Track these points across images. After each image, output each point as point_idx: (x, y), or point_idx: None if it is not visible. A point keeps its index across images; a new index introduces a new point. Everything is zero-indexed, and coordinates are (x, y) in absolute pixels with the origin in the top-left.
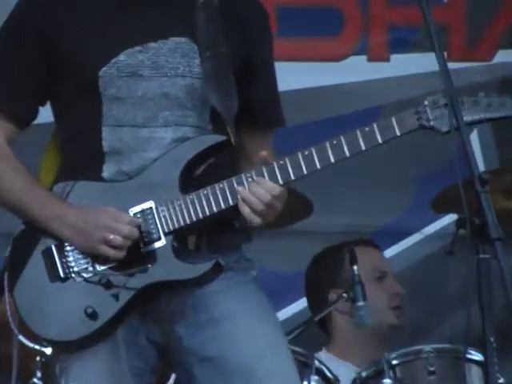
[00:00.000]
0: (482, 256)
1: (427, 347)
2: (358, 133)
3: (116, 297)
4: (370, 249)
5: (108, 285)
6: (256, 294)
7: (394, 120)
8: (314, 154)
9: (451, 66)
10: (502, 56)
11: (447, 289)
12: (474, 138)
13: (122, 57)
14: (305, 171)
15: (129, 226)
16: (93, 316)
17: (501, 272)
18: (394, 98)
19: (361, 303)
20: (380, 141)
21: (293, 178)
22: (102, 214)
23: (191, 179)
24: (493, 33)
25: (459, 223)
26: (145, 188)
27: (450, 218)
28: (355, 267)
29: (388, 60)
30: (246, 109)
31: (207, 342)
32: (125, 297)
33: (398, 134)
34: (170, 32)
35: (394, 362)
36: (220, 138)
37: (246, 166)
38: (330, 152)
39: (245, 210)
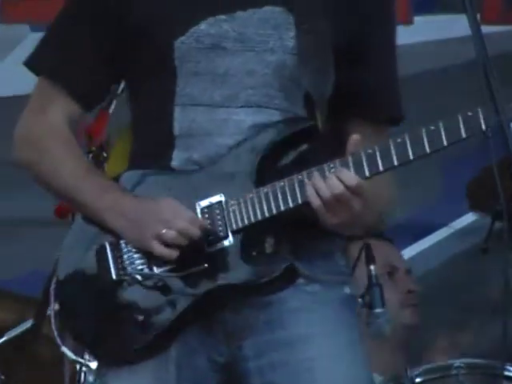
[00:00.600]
0: None
1: (457, 362)
2: (460, 118)
3: (173, 304)
4: (379, 242)
5: (164, 289)
6: (344, 319)
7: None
8: (408, 141)
9: (486, 29)
10: None
11: (480, 294)
12: None
13: (203, 26)
14: (395, 162)
15: (187, 222)
16: (145, 325)
17: None
18: (418, 68)
19: (379, 310)
20: (483, 127)
21: (381, 169)
22: (161, 207)
23: (275, 171)
24: None
25: (495, 215)
26: (216, 180)
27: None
28: (372, 267)
29: (411, 23)
30: (352, 97)
31: (277, 367)
32: (183, 304)
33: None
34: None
35: (418, 380)
36: (305, 123)
37: None
38: (425, 140)
39: (315, 202)
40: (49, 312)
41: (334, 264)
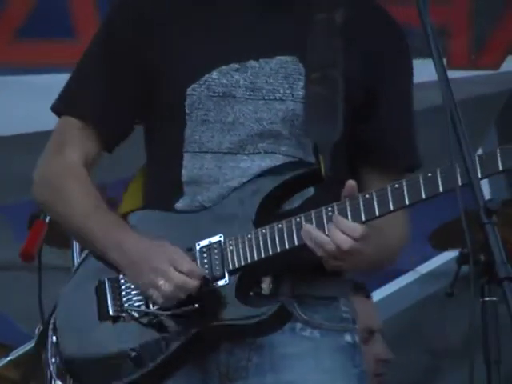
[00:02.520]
0: (487, 298)
1: None
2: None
3: (166, 341)
4: (359, 298)
5: (159, 327)
6: (343, 369)
7: (498, 152)
8: (405, 186)
9: (452, 74)
10: (511, 64)
11: (447, 337)
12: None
13: (215, 74)
14: (391, 207)
15: (184, 276)
16: (137, 361)
17: (510, 317)
18: None
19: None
20: (480, 176)
21: (377, 214)
22: (160, 254)
23: (276, 213)
24: (500, 37)
25: (461, 260)
26: (218, 220)
27: (451, 255)
28: None
29: None
30: (368, 146)
31: None
32: (176, 342)
33: (501, 168)
34: (275, 49)
35: None
36: (307, 167)
37: None
38: (422, 185)
39: (317, 251)
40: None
41: (336, 310)
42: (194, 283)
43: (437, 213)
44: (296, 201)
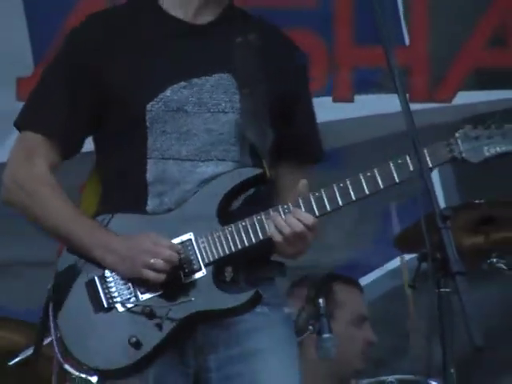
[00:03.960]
0: (443, 290)
1: (390, 378)
2: (391, 165)
3: (159, 326)
4: (355, 290)
5: (151, 315)
6: (287, 337)
7: (426, 151)
8: (349, 185)
9: (413, 106)
10: (463, 98)
11: (410, 322)
12: (435, 175)
13: (168, 92)
14: (340, 203)
15: (169, 250)
16: (137, 345)
17: (461, 306)
18: (358, 139)
19: (326, 335)
20: (411, 168)
21: (329, 209)
22: (143, 240)
23: (230, 211)
24: (453, 75)
25: (421, 258)
26: (184, 220)
27: (412, 254)
28: (321, 300)
29: (352, 101)
30: (286, 145)
31: (234, 378)
32: (168, 326)
33: (431, 165)
34: (212, 68)
35: None
36: (255, 171)
37: (282, 202)
38: (364, 184)
39: (278, 238)
40: (50, 338)
41: (275, 288)
42: (176, 256)
43: (400, 220)
44: (245, 197)
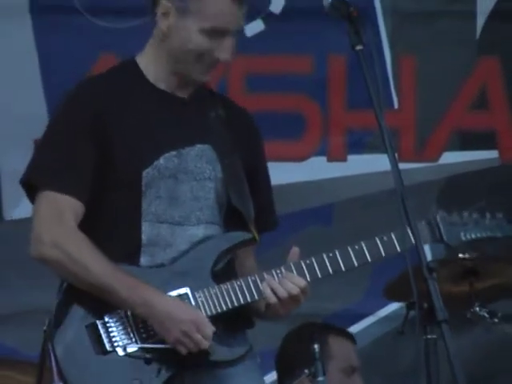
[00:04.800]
0: (429, 336)
1: None
2: (378, 241)
3: (158, 372)
4: (348, 342)
5: (149, 361)
6: (261, 381)
7: (409, 231)
8: (338, 256)
9: (402, 166)
10: (448, 157)
11: (399, 366)
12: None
13: (161, 160)
14: (330, 271)
15: (206, 340)
16: None
17: (447, 351)
18: (350, 195)
19: (321, 379)
20: (398, 249)
21: (319, 276)
22: (186, 320)
23: (227, 270)
24: (438, 136)
25: (409, 306)
26: (179, 275)
27: (401, 302)
28: (316, 346)
29: (345, 160)
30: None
31: None
32: (166, 373)
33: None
34: (194, 139)
35: None
36: (248, 235)
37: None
38: (353, 256)
39: (273, 300)
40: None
41: (248, 340)
42: (208, 344)
43: (391, 271)
44: (224, 260)
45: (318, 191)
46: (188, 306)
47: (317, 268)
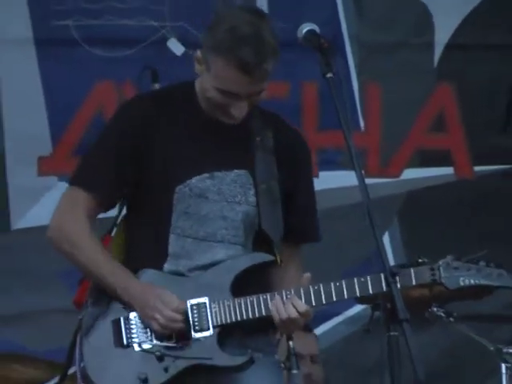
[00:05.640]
0: (392, 333)
1: None
2: (382, 276)
3: (166, 369)
4: (307, 335)
5: (161, 358)
6: (278, 379)
7: (412, 272)
8: (344, 286)
9: (368, 181)
10: (408, 173)
11: (365, 361)
12: (386, 239)
13: (194, 180)
14: (334, 298)
15: (173, 312)
16: (145, 381)
17: (407, 347)
18: (322, 207)
19: (295, 371)
20: (399, 286)
21: (324, 302)
22: (156, 297)
23: (245, 286)
24: (400, 155)
25: (374, 307)
26: (201, 286)
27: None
28: (291, 342)
29: (317, 176)
30: (288, 227)
31: None
32: (173, 371)
33: (414, 283)
34: (233, 165)
35: None
36: (270, 257)
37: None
38: (356, 287)
39: (276, 319)
40: (74, 369)
41: (268, 338)
42: (180, 317)
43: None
44: (256, 277)
45: None
46: (157, 286)
47: (323, 294)
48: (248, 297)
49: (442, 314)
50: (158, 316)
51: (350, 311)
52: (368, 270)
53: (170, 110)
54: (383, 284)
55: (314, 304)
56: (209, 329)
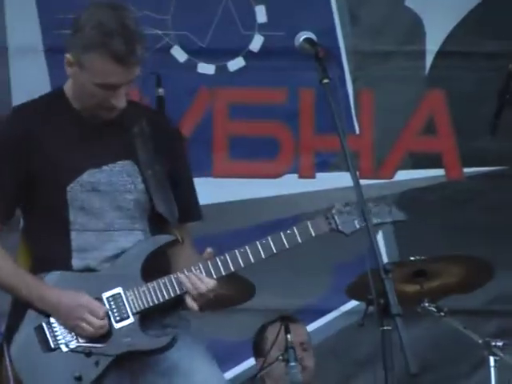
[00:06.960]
0: (385, 328)
1: None
2: (282, 235)
3: (97, 363)
4: (297, 325)
5: (89, 354)
6: (196, 341)
7: (309, 224)
8: (248, 251)
9: (362, 182)
10: (400, 175)
11: (359, 354)
12: (379, 236)
13: (84, 176)
14: (241, 264)
15: (100, 320)
16: (79, 379)
17: (400, 341)
18: (318, 207)
19: (293, 363)
20: (299, 240)
21: (232, 269)
22: (79, 306)
23: (154, 269)
24: (393, 157)
25: (368, 302)
26: (113, 277)
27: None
28: (289, 336)
29: (314, 177)
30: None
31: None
32: (103, 363)
33: (313, 235)
34: (116, 157)
35: None
36: (171, 237)
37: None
38: (260, 249)
39: (193, 293)
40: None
41: (180, 314)
42: (106, 324)
43: (351, 270)
44: (162, 259)
45: (291, 204)
46: (75, 293)
47: (230, 262)
48: (160, 279)
49: (433, 309)
50: (86, 327)
51: (345, 306)
52: (359, 266)
53: (48, 117)
54: (284, 241)
55: (223, 273)
56: (129, 317)
